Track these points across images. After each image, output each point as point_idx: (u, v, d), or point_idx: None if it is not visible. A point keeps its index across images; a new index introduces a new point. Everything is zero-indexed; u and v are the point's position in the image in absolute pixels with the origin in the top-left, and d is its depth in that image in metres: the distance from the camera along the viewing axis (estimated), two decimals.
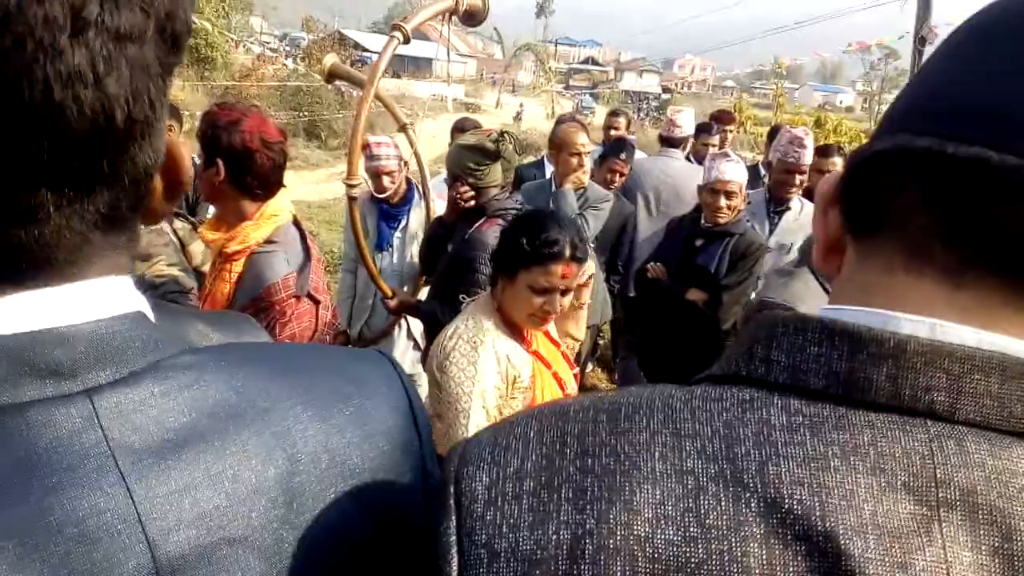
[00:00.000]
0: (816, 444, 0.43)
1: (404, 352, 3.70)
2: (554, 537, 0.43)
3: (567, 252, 1.94)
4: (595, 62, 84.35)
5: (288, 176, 2.14)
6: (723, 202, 3.32)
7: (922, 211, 0.44)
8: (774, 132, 5.31)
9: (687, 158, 4.91)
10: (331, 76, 3.33)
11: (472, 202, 2.91)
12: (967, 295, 0.44)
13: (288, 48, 32.12)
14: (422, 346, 3.39)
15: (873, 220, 0.48)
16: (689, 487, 0.43)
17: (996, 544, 0.40)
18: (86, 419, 0.45)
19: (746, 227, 3.48)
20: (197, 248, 2.88)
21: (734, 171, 3.32)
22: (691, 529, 0.42)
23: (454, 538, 0.46)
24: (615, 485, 0.44)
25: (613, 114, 6.04)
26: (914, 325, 0.44)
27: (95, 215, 0.46)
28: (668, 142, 4.76)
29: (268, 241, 2.03)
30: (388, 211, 3.71)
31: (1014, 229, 0.42)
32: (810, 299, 2.15)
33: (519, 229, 1.98)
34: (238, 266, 2.01)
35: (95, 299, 0.48)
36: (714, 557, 0.41)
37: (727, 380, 0.48)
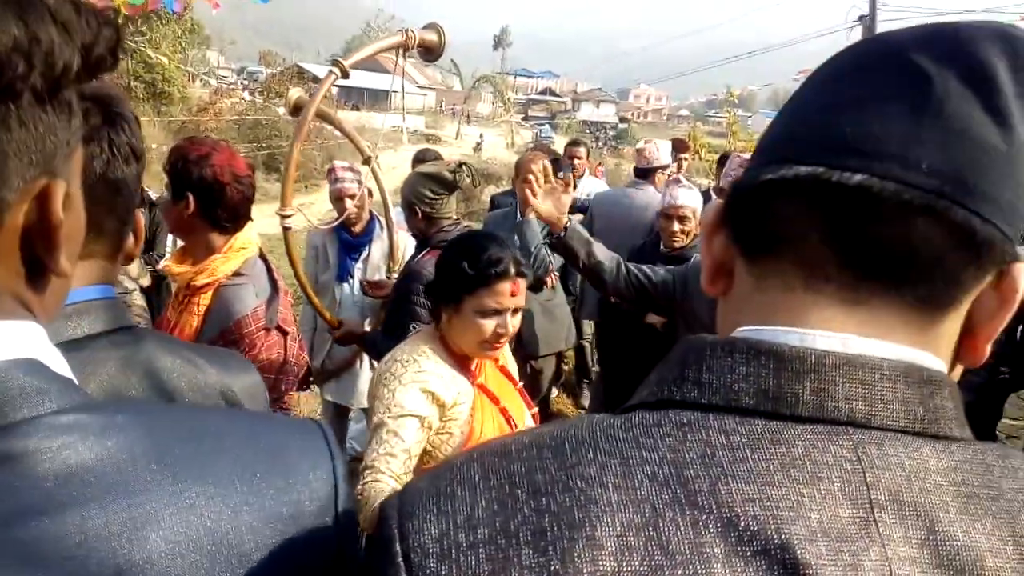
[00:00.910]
0: (758, 460, 0.45)
1: (367, 384, 3.70)
2: None
3: (512, 269, 1.88)
4: (553, 93, 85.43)
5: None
6: (676, 227, 3.42)
7: (815, 235, 0.49)
8: (723, 159, 5.49)
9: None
10: (296, 109, 3.37)
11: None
12: (864, 310, 0.49)
13: (246, 82, 32.03)
14: None
15: (766, 243, 0.52)
16: (647, 515, 0.43)
17: (923, 536, 0.44)
18: None
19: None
20: (133, 264, 2.99)
21: (687, 197, 3.43)
22: (656, 557, 0.42)
23: None
24: (574, 522, 0.43)
25: (573, 144, 6.15)
26: (828, 340, 0.48)
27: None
28: (641, 173, 4.83)
29: (236, 274, 2.03)
30: (350, 242, 3.73)
31: (898, 247, 0.47)
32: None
33: (457, 254, 1.91)
34: (206, 299, 2.02)
35: None
36: None
37: (661, 405, 0.49)
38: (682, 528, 0.43)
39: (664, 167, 4.82)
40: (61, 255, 0.51)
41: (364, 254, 3.72)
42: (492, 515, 0.45)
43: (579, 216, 4.64)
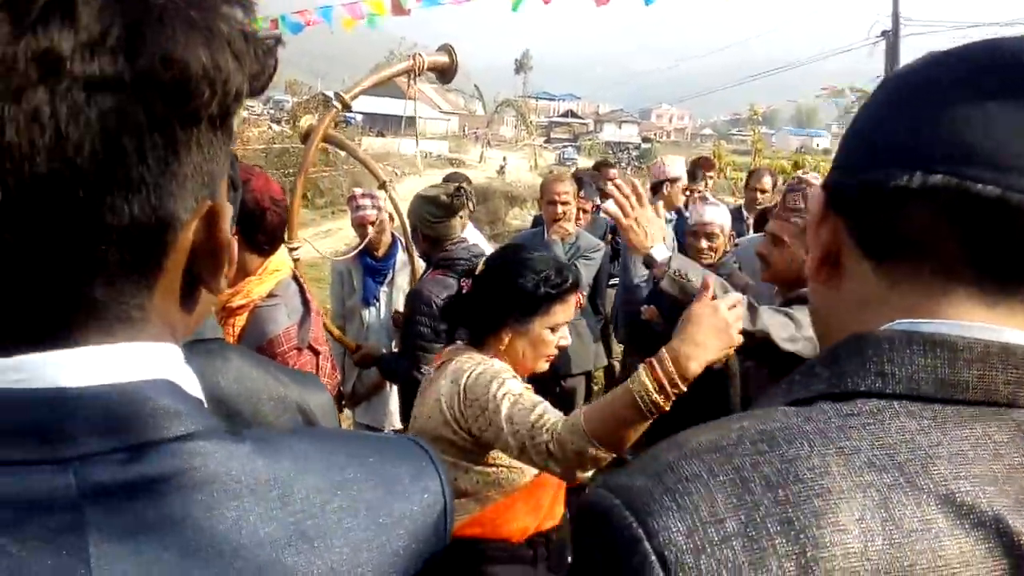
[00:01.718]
0: (951, 441, 0.49)
1: (397, 405, 3.74)
2: (779, 572, 0.44)
3: (575, 278, 1.91)
4: (574, 115, 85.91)
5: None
6: (705, 244, 3.42)
7: (953, 242, 0.53)
8: (752, 175, 5.72)
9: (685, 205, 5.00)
10: (307, 136, 3.44)
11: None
12: (1004, 307, 0.53)
13: (272, 111, 32.57)
14: None
15: (899, 247, 0.55)
16: (876, 499, 0.47)
17: None
18: (65, 490, 0.43)
19: (732, 268, 3.56)
20: None
21: (714, 214, 3.42)
22: (895, 536, 0.45)
23: None
24: (816, 510, 0.46)
25: (603, 165, 6.19)
26: (986, 332, 0.52)
27: (90, 267, 0.45)
28: (653, 188, 4.89)
29: (270, 295, 2.07)
30: (373, 266, 3.78)
31: None
32: (807, 329, 2.17)
33: (520, 275, 1.84)
34: (241, 320, 2.05)
35: (118, 362, 0.47)
36: (920, 557, 0.45)
37: (846, 396, 0.53)
38: (909, 508, 0.46)
39: (673, 179, 4.84)
40: (223, 274, 0.53)
41: (388, 277, 3.77)
42: (735, 508, 0.46)
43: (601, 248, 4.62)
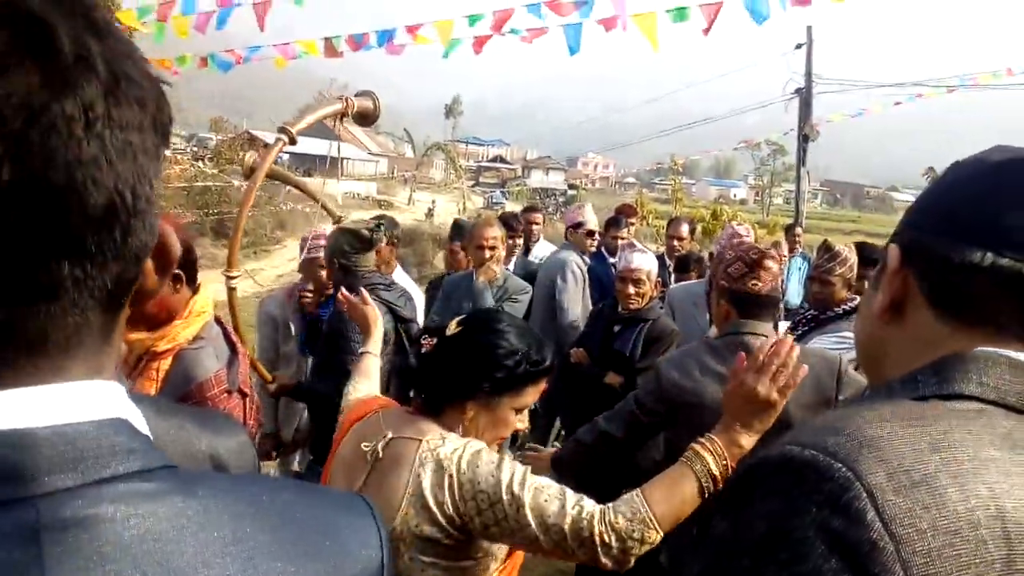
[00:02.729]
0: None
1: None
2: (954, 515, 0.57)
3: (552, 360, 1.76)
4: (503, 160, 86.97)
5: (201, 276, 2.18)
6: (632, 289, 3.51)
7: (1008, 307, 0.69)
8: (671, 222, 6.29)
9: (599, 248, 5.17)
10: (251, 172, 3.41)
11: (308, 297, 3.41)
12: None
13: (195, 148, 31.92)
14: None
15: (961, 304, 0.72)
16: (1005, 469, 0.60)
17: None
18: (26, 526, 0.44)
19: (658, 313, 3.66)
20: None
21: (641, 260, 3.53)
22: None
23: (879, 524, 0.55)
24: (970, 469, 0.59)
25: (530, 209, 6.31)
26: None
27: (103, 289, 0.49)
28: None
29: (196, 338, 2.02)
30: (314, 315, 3.73)
31: None
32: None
33: (508, 349, 1.68)
34: (165, 364, 1.99)
35: (76, 400, 0.48)
36: None
37: (952, 397, 0.67)
38: None
39: (576, 225, 5.08)
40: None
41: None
42: (915, 463, 0.59)
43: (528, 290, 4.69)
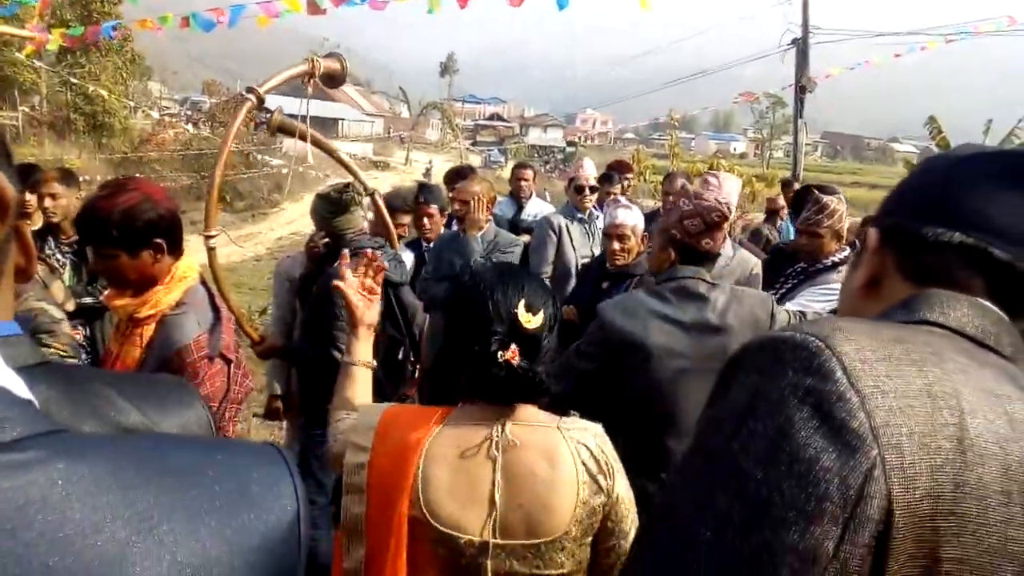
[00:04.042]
0: (994, 366, 0.71)
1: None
2: (913, 384, 0.64)
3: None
4: (500, 118, 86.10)
5: (193, 239, 2.17)
6: (616, 245, 3.50)
7: (980, 282, 0.78)
8: (667, 177, 6.08)
9: (595, 206, 5.08)
10: (279, 129, 3.43)
11: (325, 248, 3.31)
12: (1000, 308, 0.78)
13: (189, 112, 31.59)
14: None
15: (934, 278, 0.80)
16: (970, 370, 0.68)
17: None
18: None
19: (645, 268, 3.66)
20: (57, 288, 3.19)
21: (625, 216, 3.51)
22: (1001, 408, 0.66)
23: (846, 380, 0.63)
24: (925, 359, 0.66)
25: (520, 166, 6.24)
26: (995, 311, 0.77)
27: None
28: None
29: (178, 304, 2.03)
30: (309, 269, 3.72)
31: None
32: None
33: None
34: (149, 330, 2.00)
35: None
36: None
37: (922, 322, 0.76)
38: (985, 379, 0.68)
39: (571, 181, 4.98)
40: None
41: None
42: (880, 347, 0.67)
43: (526, 238, 4.70)
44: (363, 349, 1.81)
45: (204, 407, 1.02)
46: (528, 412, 1.50)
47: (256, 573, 0.53)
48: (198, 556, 0.50)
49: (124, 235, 1.92)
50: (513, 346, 1.46)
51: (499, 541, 1.40)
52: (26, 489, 0.45)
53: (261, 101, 2.93)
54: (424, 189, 4.66)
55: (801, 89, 15.34)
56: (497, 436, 1.45)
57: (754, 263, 3.68)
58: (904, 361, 0.66)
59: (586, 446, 1.46)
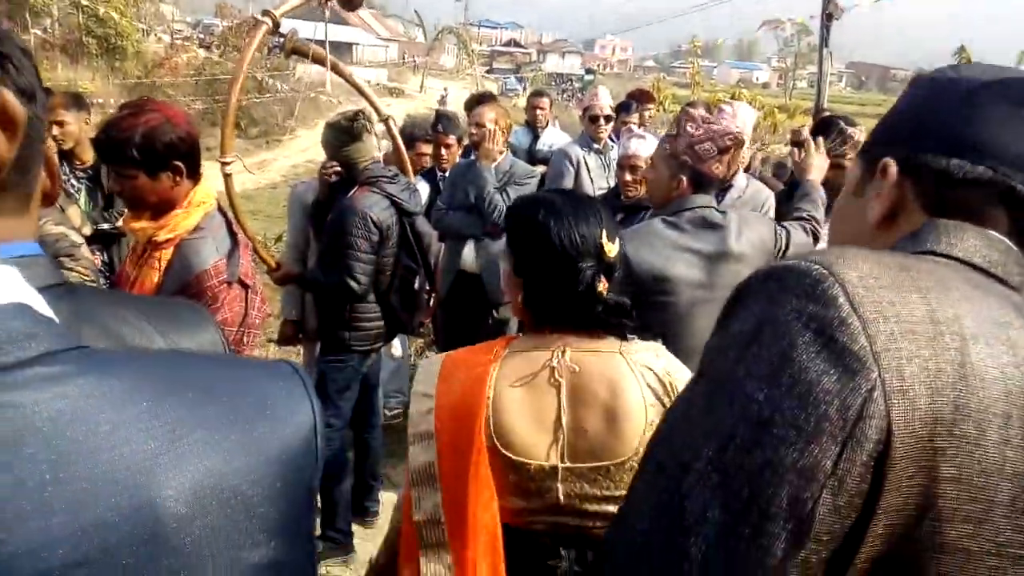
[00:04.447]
0: (999, 296, 0.71)
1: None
2: (916, 310, 0.65)
3: None
4: (517, 44, 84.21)
5: (207, 166, 2.18)
6: (629, 176, 3.45)
7: (1002, 214, 0.78)
8: (686, 108, 5.67)
9: (610, 137, 4.98)
10: (293, 52, 3.39)
11: (338, 176, 3.31)
12: (1015, 240, 0.78)
13: (201, 35, 31.07)
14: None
15: (954, 210, 0.79)
16: (974, 298, 0.67)
17: None
18: None
19: None
20: (74, 212, 3.26)
21: (639, 146, 3.45)
22: (1002, 328, 0.66)
23: (848, 306, 0.64)
24: (930, 285, 0.67)
25: (537, 94, 6.15)
26: (1003, 240, 0.77)
27: None
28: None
29: (196, 228, 2.05)
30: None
31: None
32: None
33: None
34: (167, 254, 2.03)
35: None
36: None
37: (926, 252, 0.76)
38: (989, 303, 0.69)
39: (586, 110, 4.85)
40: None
41: None
42: (884, 274, 0.67)
43: (542, 168, 4.65)
44: None
45: (218, 330, 1.05)
46: (589, 338, 1.50)
47: (276, 483, 0.56)
48: (221, 466, 0.52)
49: (144, 156, 1.94)
50: (602, 277, 1.47)
51: (568, 465, 1.42)
52: (57, 401, 0.47)
53: (276, 25, 2.88)
54: (441, 118, 4.61)
55: (828, 17, 14.85)
56: (558, 363, 1.45)
57: (767, 195, 3.63)
58: (907, 287, 0.66)
59: (651, 369, 1.46)
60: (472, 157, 4.13)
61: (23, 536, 0.44)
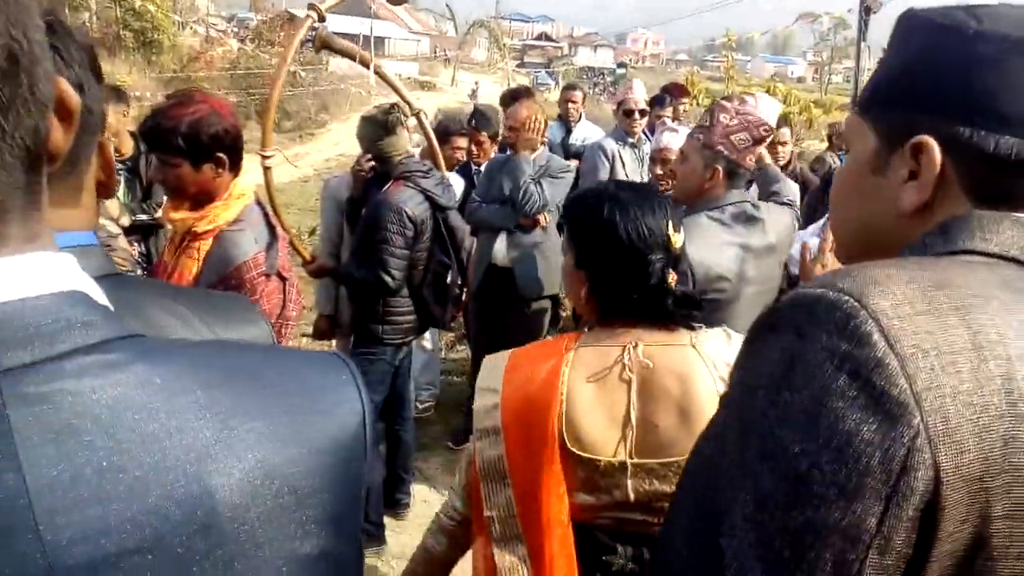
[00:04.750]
0: None
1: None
2: (956, 336, 0.59)
3: None
4: (548, 38, 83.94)
5: (245, 159, 2.19)
6: (659, 170, 3.42)
7: None
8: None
9: (645, 131, 4.93)
10: (324, 46, 3.39)
11: (371, 171, 3.31)
12: None
13: (236, 29, 31.41)
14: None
15: (1005, 199, 0.71)
16: (1014, 310, 0.62)
17: None
18: None
19: None
20: (112, 204, 3.30)
21: (670, 139, 3.41)
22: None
23: (884, 343, 0.59)
24: (972, 304, 0.61)
25: (569, 87, 6.13)
26: None
27: (22, 146, 0.47)
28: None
29: (236, 220, 2.06)
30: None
31: None
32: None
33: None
34: (206, 245, 2.04)
35: (27, 274, 0.47)
36: None
37: (956, 253, 0.70)
38: None
39: (620, 104, 4.81)
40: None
41: None
42: (918, 297, 0.61)
43: (574, 162, 4.63)
44: None
45: (268, 323, 1.06)
46: (660, 330, 1.48)
47: (327, 473, 0.56)
48: (274, 456, 0.53)
49: (189, 145, 1.96)
50: (670, 269, 1.46)
51: (637, 461, 1.40)
52: (114, 389, 0.47)
53: (322, 19, 2.88)
54: (477, 114, 4.61)
55: (866, 10, 14.62)
56: (630, 358, 1.43)
57: (792, 188, 3.61)
58: (945, 309, 0.60)
59: (724, 359, 1.43)
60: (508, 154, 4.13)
61: (81, 523, 0.44)
